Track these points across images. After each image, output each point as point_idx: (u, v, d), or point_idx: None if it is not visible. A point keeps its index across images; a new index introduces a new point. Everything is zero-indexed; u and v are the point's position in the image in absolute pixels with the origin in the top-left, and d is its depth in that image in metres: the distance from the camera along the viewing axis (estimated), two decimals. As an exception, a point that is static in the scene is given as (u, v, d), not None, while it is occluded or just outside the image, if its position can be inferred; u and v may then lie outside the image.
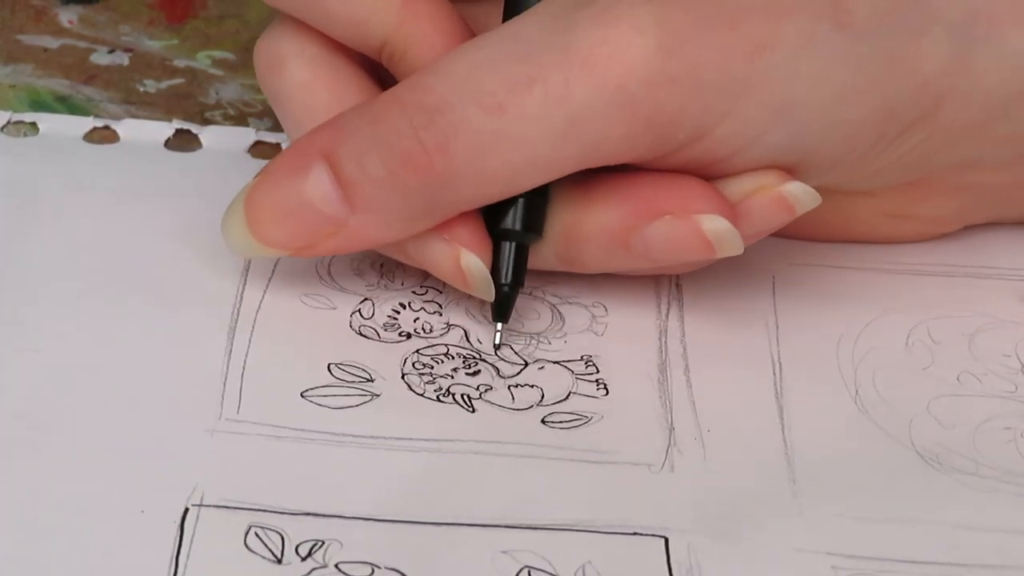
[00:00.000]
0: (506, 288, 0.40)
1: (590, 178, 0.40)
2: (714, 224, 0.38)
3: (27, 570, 0.34)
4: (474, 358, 0.41)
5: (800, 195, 0.39)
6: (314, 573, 0.35)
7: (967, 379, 0.41)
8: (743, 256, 0.42)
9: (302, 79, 0.41)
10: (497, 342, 0.41)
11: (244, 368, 0.39)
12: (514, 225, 0.39)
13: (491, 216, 0.40)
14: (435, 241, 0.39)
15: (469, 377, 0.40)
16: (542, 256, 0.41)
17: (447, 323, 0.42)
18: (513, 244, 0.40)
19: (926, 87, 0.40)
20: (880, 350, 0.42)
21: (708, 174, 0.39)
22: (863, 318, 0.42)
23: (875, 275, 0.44)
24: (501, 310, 0.40)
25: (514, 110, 0.37)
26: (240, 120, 0.48)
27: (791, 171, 0.39)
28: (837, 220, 0.44)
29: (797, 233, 0.44)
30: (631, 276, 0.42)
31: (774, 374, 0.41)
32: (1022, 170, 0.43)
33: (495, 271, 0.40)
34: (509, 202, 0.39)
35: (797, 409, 0.40)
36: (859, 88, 0.39)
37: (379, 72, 0.42)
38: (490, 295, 0.40)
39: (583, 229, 0.40)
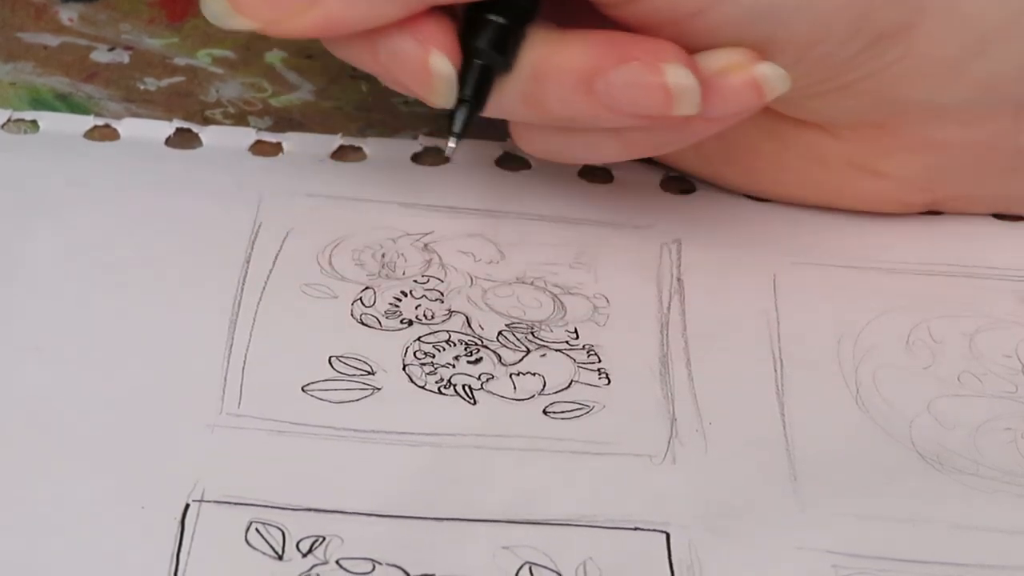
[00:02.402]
0: (467, 102, 0.40)
1: (570, 24, 0.40)
2: (678, 77, 0.39)
3: (28, 567, 0.34)
4: (476, 345, 0.41)
5: (771, 76, 0.39)
6: (315, 569, 0.35)
7: (968, 379, 0.41)
8: (745, 254, 0.42)
9: None
10: (448, 154, 0.40)
11: (245, 363, 0.39)
12: (487, 45, 0.40)
13: (467, 35, 0.40)
14: (407, 41, 0.39)
15: (471, 365, 0.40)
16: (507, 95, 0.40)
17: (449, 309, 0.42)
18: (480, 64, 0.40)
19: None
20: (881, 349, 0.42)
21: (680, 34, 0.39)
22: (863, 317, 0.42)
23: (875, 275, 0.44)
24: (457, 122, 0.40)
25: None
26: (240, 118, 0.48)
27: (761, 51, 0.39)
28: (805, 164, 0.44)
29: (771, 189, 0.44)
30: (631, 271, 0.43)
31: (775, 371, 0.41)
32: (994, 128, 0.43)
33: (459, 84, 0.40)
34: (487, 23, 0.39)
35: (798, 407, 0.40)
36: None
37: None
38: (450, 102, 0.40)
39: (552, 65, 0.40)
